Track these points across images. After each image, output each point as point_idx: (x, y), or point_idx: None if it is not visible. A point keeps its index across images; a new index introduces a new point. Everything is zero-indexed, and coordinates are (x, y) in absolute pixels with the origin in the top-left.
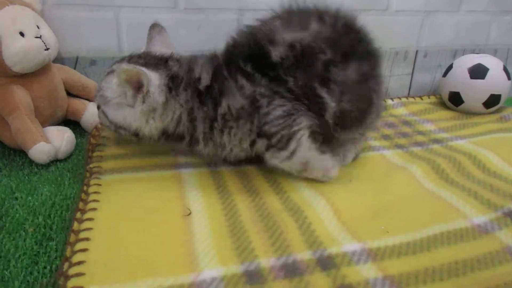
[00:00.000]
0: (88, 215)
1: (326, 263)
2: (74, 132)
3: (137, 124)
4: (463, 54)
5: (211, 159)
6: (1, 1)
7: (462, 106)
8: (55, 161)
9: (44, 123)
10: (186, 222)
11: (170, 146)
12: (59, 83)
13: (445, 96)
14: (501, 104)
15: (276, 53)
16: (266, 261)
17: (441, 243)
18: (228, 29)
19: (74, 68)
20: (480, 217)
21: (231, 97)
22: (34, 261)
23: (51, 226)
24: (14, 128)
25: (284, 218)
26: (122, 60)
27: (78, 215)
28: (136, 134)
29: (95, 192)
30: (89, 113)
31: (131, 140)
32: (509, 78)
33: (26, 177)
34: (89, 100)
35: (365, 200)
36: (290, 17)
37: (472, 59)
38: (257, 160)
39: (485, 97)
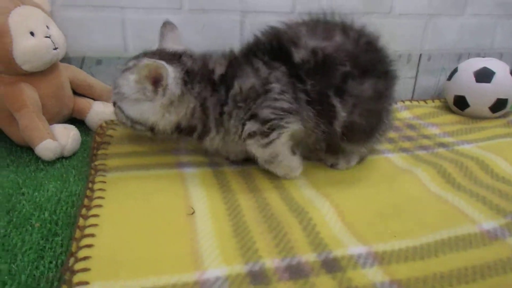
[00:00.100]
0: (93, 211)
1: (331, 266)
2: (79, 130)
3: (155, 118)
4: (467, 58)
5: (217, 153)
6: (13, 1)
7: (467, 110)
8: (60, 158)
9: (51, 120)
10: (190, 221)
11: (173, 146)
12: (66, 82)
13: (450, 100)
14: (507, 108)
15: (299, 55)
16: (271, 262)
17: (449, 248)
18: (231, 30)
19: (81, 68)
20: (489, 223)
21: (244, 77)
22: (40, 255)
23: (56, 221)
24: (22, 125)
25: (288, 219)
26: (137, 57)
27: (84, 211)
28: (151, 129)
29: (100, 189)
30: (94, 112)
31: (144, 136)
32: None
33: (33, 173)
34: (95, 99)
35: (370, 202)
36: (316, 26)
37: (477, 63)
38: None
39: (491, 101)
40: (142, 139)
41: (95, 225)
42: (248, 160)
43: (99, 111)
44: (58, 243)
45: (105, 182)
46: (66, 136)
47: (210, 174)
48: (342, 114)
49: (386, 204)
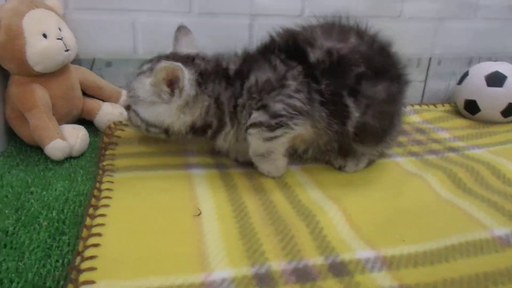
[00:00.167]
0: (100, 211)
1: (339, 270)
2: (88, 131)
3: (170, 120)
4: (478, 62)
5: (226, 155)
6: (28, 4)
7: (478, 115)
8: (69, 158)
9: (60, 121)
10: (197, 222)
11: (181, 147)
12: (76, 83)
13: (461, 104)
14: None
15: (314, 55)
16: (277, 264)
17: (460, 254)
18: (240, 33)
19: (91, 69)
20: (501, 229)
21: (261, 71)
22: (47, 254)
23: (64, 220)
24: (32, 125)
25: (295, 222)
26: (151, 61)
27: (91, 210)
28: (166, 131)
29: (107, 189)
30: (103, 113)
31: (156, 138)
32: None
33: (42, 173)
34: (104, 100)
35: (378, 206)
36: (331, 28)
37: (489, 67)
38: None
39: (503, 105)
40: (150, 140)
41: (102, 224)
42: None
43: (107, 112)
44: (65, 242)
45: (112, 182)
46: (75, 137)
47: (217, 175)
48: (355, 114)
49: (395, 208)
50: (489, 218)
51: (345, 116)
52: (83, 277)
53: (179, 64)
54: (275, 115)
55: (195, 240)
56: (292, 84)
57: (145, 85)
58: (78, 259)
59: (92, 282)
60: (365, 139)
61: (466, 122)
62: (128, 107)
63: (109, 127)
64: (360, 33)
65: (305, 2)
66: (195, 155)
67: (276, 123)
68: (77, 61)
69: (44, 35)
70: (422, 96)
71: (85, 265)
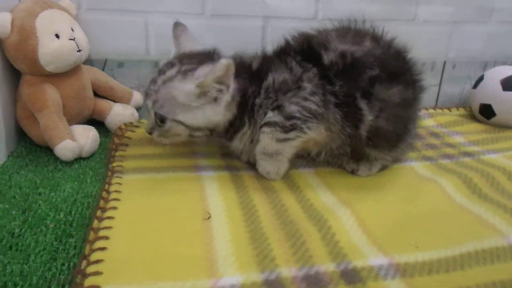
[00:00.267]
0: (108, 213)
1: (351, 277)
2: (98, 132)
3: (218, 118)
4: (494, 66)
5: (239, 157)
6: (41, 5)
7: (494, 119)
8: (78, 159)
9: (71, 121)
10: (206, 225)
11: (191, 149)
12: (87, 84)
13: (476, 109)
14: None
15: (328, 57)
16: (288, 270)
17: (476, 261)
18: (253, 35)
19: (103, 70)
20: None
21: (279, 72)
22: (53, 257)
23: (71, 223)
24: (43, 125)
25: (307, 226)
26: (170, 63)
27: (99, 213)
28: (212, 130)
29: (116, 191)
30: (114, 114)
31: (196, 141)
32: None
33: (50, 174)
34: (115, 101)
35: (392, 212)
36: (346, 32)
37: (504, 71)
38: None
39: None
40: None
41: (109, 227)
42: None
43: (119, 113)
44: (71, 244)
45: (121, 184)
46: (85, 137)
47: (228, 177)
48: (368, 117)
49: (409, 213)
50: (505, 224)
51: (359, 119)
52: (88, 281)
53: (230, 59)
54: (289, 117)
55: (204, 244)
56: (307, 86)
57: (183, 90)
58: (84, 263)
59: (98, 287)
60: (378, 143)
61: (481, 126)
62: (161, 122)
63: (119, 128)
64: (376, 38)
65: (319, 5)
66: (205, 157)
67: (290, 125)
68: (89, 61)
69: (57, 36)
70: (437, 100)
71: (91, 269)
